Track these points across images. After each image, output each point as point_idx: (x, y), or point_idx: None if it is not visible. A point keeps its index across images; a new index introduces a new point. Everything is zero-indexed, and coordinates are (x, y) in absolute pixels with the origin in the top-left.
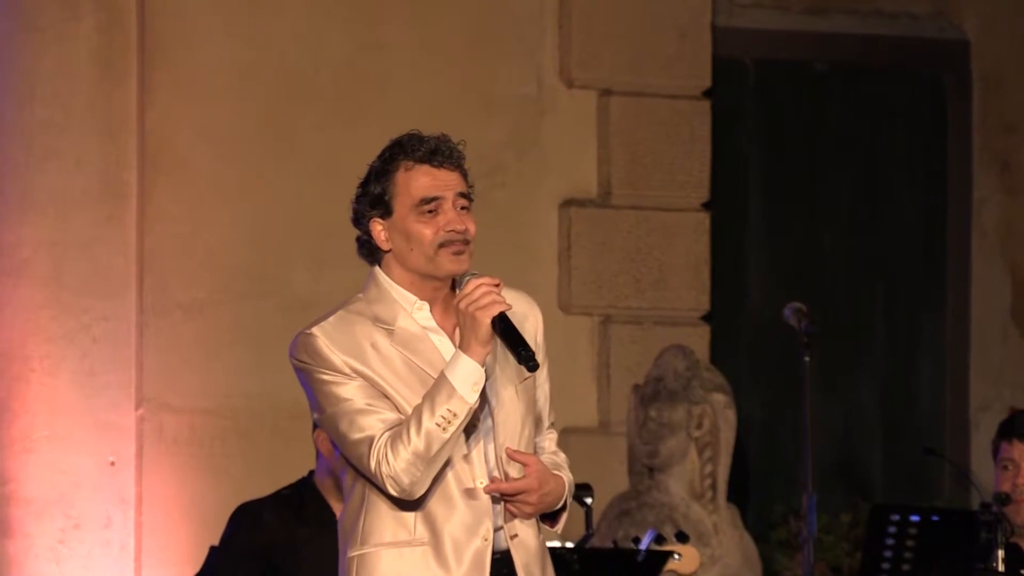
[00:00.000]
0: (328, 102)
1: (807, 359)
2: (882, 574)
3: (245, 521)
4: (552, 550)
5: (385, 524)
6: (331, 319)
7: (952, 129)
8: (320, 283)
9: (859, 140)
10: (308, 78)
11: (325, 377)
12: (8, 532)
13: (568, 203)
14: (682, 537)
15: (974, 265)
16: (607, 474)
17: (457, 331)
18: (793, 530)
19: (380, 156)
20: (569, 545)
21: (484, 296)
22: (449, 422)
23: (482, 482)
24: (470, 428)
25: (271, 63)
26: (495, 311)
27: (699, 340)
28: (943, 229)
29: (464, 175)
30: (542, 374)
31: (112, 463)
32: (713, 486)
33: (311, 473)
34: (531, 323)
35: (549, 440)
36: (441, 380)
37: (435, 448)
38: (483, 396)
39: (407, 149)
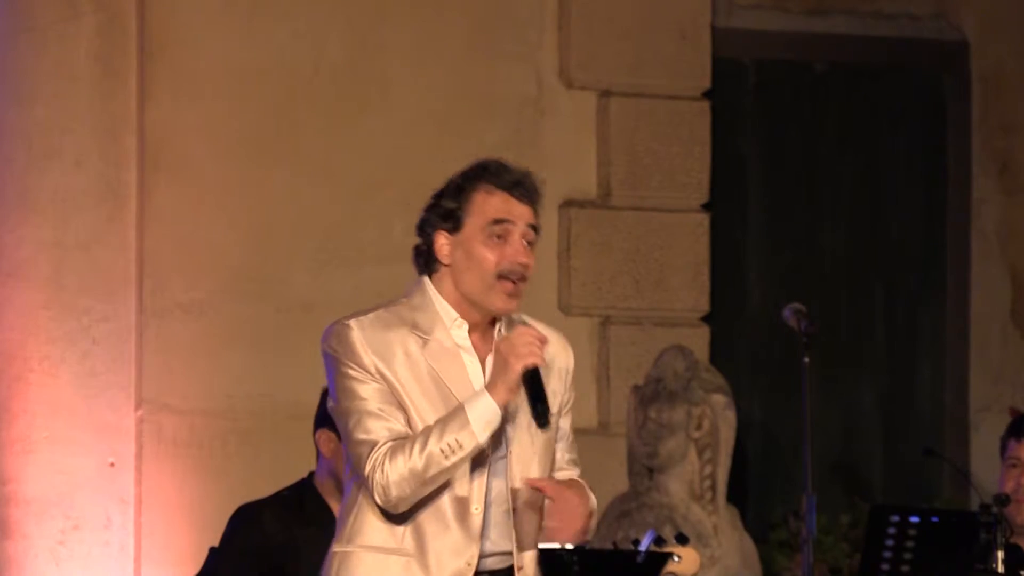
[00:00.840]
0: (328, 103)
1: (806, 360)
2: (881, 575)
3: (245, 522)
4: (551, 551)
5: (375, 527)
6: (370, 315)
7: (951, 130)
8: (320, 284)
9: (859, 141)
10: (308, 78)
11: (349, 371)
12: (7, 533)
13: (568, 204)
14: (682, 539)
15: (973, 266)
16: (607, 475)
17: (490, 358)
18: (793, 531)
19: (462, 173)
20: (568, 546)
21: (524, 346)
22: (454, 451)
23: (477, 508)
24: (481, 456)
25: (271, 63)
26: (529, 363)
27: (699, 341)
28: (942, 230)
29: (537, 213)
30: (566, 415)
31: (112, 464)
32: (713, 487)
33: (311, 474)
34: (562, 361)
35: (567, 475)
36: (458, 410)
37: (432, 472)
38: (502, 429)
39: (492, 173)
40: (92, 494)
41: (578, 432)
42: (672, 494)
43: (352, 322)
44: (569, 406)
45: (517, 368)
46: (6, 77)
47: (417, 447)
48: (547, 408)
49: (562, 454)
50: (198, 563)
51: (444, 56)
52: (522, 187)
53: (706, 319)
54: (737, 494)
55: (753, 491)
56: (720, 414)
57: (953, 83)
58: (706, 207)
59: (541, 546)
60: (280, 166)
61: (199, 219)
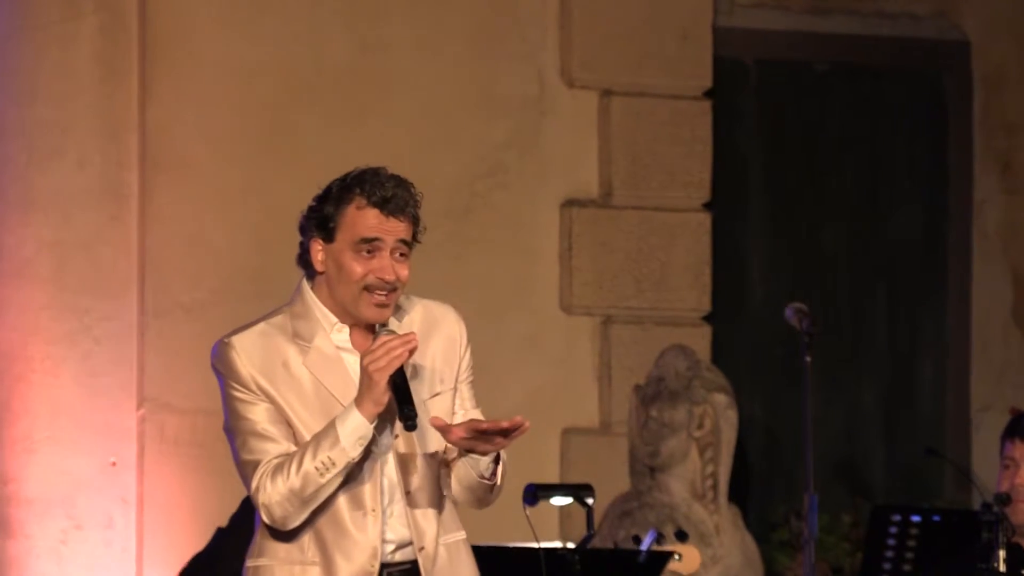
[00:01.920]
0: (330, 102)
1: (808, 359)
2: (883, 574)
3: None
4: (553, 551)
5: (279, 541)
6: (252, 331)
7: (953, 130)
8: None
9: (860, 141)
10: (310, 78)
11: (233, 392)
12: (9, 532)
13: (569, 203)
14: (681, 535)
15: (975, 265)
16: (608, 474)
17: None
18: (794, 530)
19: (342, 180)
20: (571, 546)
21: (383, 356)
22: (328, 468)
23: (374, 509)
24: (369, 455)
25: (273, 62)
26: (391, 371)
27: (700, 340)
28: (944, 229)
29: (414, 222)
30: (465, 381)
31: (113, 463)
32: (714, 486)
33: None
34: (447, 331)
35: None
36: (329, 428)
37: (310, 490)
38: (387, 426)
39: (365, 188)
40: (94, 494)
41: (580, 432)
42: (674, 493)
43: (234, 339)
44: (468, 370)
45: (380, 381)
46: (8, 76)
47: (294, 467)
48: (413, 411)
49: (472, 410)
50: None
51: (446, 55)
52: (392, 203)
53: (708, 318)
54: (739, 493)
55: (755, 490)
56: (722, 413)
57: (954, 83)
58: (707, 206)
59: (544, 546)
60: (281, 166)
61: (200, 219)
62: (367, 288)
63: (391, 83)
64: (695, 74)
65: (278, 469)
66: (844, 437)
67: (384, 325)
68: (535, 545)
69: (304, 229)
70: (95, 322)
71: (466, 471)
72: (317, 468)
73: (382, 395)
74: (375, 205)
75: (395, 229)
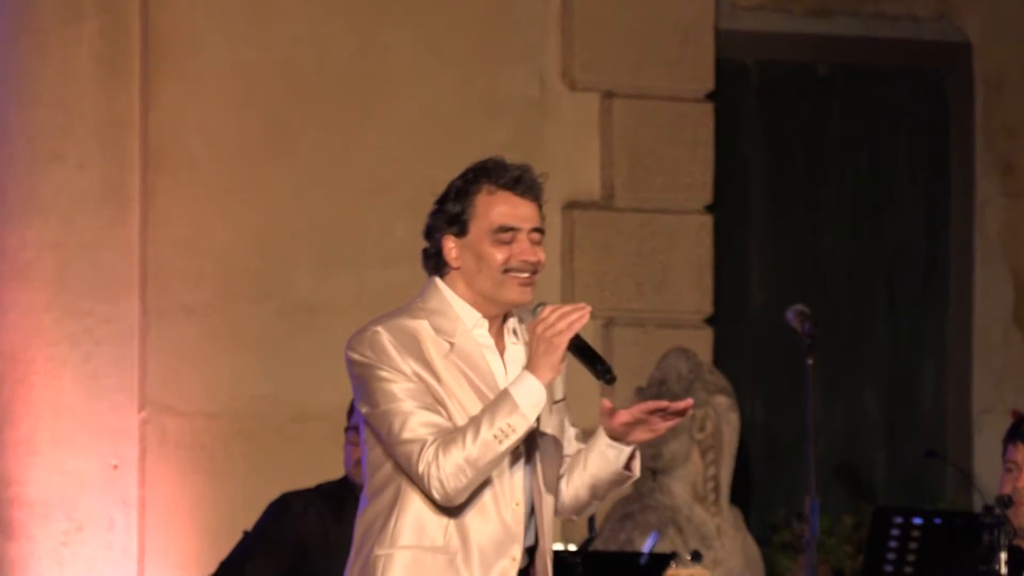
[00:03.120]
0: (331, 105)
1: (810, 361)
2: None
3: (282, 510)
4: (555, 553)
5: (418, 527)
6: (394, 321)
7: (954, 132)
8: (323, 286)
9: (861, 143)
10: (311, 81)
11: (384, 374)
12: (11, 534)
13: (571, 206)
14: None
15: (976, 268)
16: None
17: (511, 350)
18: (796, 532)
19: (463, 176)
20: (572, 548)
21: (559, 321)
22: (507, 435)
23: (518, 503)
24: (516, 449)
25: (274, 65)
26: (571, 335)
27: (702, 343)
28: (945, 232)
29: (540, 207)
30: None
31: (115, 466)
32: (716, 488)
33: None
34: None
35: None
36: (504, 395)
37: (487, 459)
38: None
39: (491, 174)
40: (95, 496)
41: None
42: (675, 496)
43: (380, 327)
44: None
45: (561, 345)
46: (9, 79)
47: (470, 436)
48: (607, 364)
49: (569, 442)
50: (201, 564)
51: (447, 58)
52: (523, 184)
53: (709, 321)
54: (740, 496)
55: (756, 493)
56: (723, 416)
57: (956, 85)
58: (709, 209)
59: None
60: (283, 168)
61: (202, 221)
62: (508, 270)
63: (392, 86)
64: (696, 76)
65: (450, 442)
66: (845, 439)
67: (537, 307)
68: None
69: (432, 230)
70: (96, 324)
71: (602, 465)
72: (496, 436)
73: (559, 362)
74: (506, 187)
75: (528, 214)
